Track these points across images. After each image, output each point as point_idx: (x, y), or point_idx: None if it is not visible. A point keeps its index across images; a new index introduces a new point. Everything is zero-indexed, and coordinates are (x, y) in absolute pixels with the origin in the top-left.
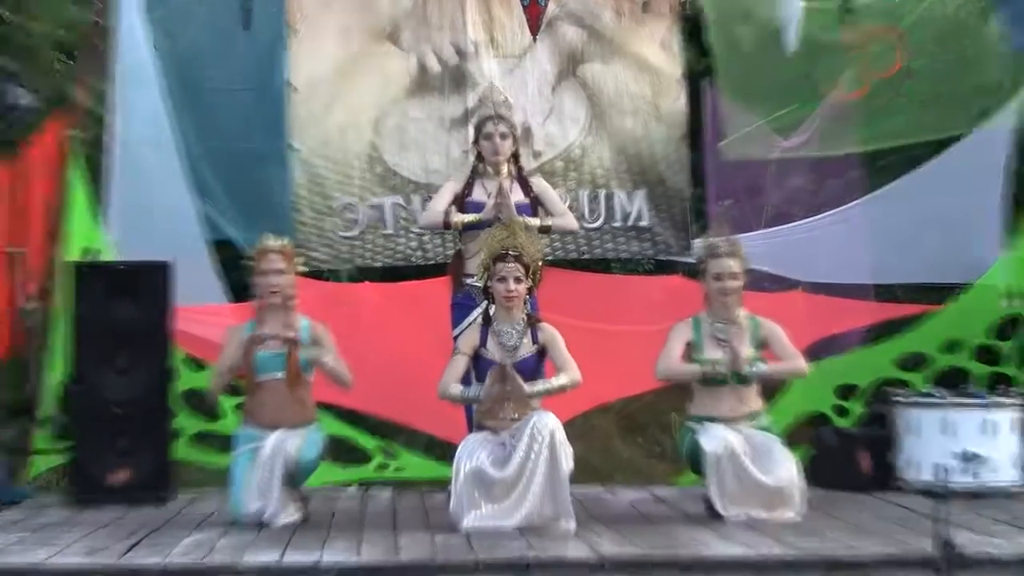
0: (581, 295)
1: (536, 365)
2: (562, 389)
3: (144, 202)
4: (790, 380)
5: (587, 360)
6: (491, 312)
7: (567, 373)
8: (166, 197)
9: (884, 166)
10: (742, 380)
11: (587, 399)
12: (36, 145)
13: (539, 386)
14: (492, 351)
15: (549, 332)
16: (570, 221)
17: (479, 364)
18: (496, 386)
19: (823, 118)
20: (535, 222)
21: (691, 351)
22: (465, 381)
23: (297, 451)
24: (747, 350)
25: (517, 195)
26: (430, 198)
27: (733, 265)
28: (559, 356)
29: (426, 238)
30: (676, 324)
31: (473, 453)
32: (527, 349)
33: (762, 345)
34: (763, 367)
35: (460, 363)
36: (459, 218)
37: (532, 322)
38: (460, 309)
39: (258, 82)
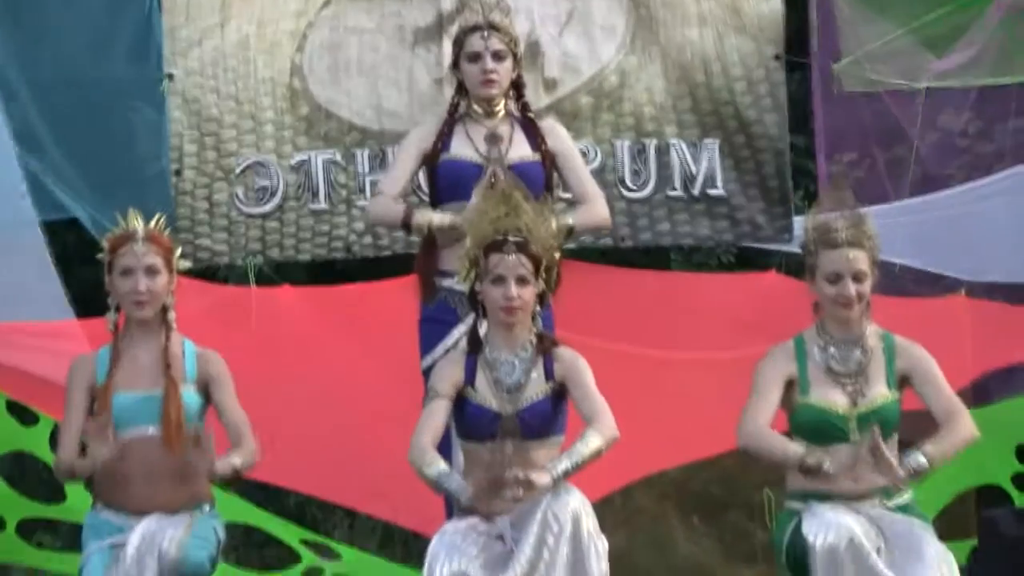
0: (620, 304)
1: (550, 414)
2: (596, 455)
3: None
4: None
5: (630, 406)
6: (481, 332)
7: (599, 427)
8: None
9: None
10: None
11: (631, 466)
12: None
13: (561, 466)
14: (484, 393)
15: (570, 361)
16: (599, 211)
17: (465, 412)
18: (492, 466)
19: (998, 23)
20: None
21: (794, 393)
22: (445, 443)
23: (179, 549)
24: (881, 388)
25: (521, 149)
26: (382, 152)
27: (858, 258)
28: (585, 399)
29: None
30: (770, 351)
31: (454, 552)
32: (537, 389)
33: (902, 382)
34: (924, 463)
35: (439, 413)
36: (428, 218)
37: (545, 347)
38: (433, 327)
39: None
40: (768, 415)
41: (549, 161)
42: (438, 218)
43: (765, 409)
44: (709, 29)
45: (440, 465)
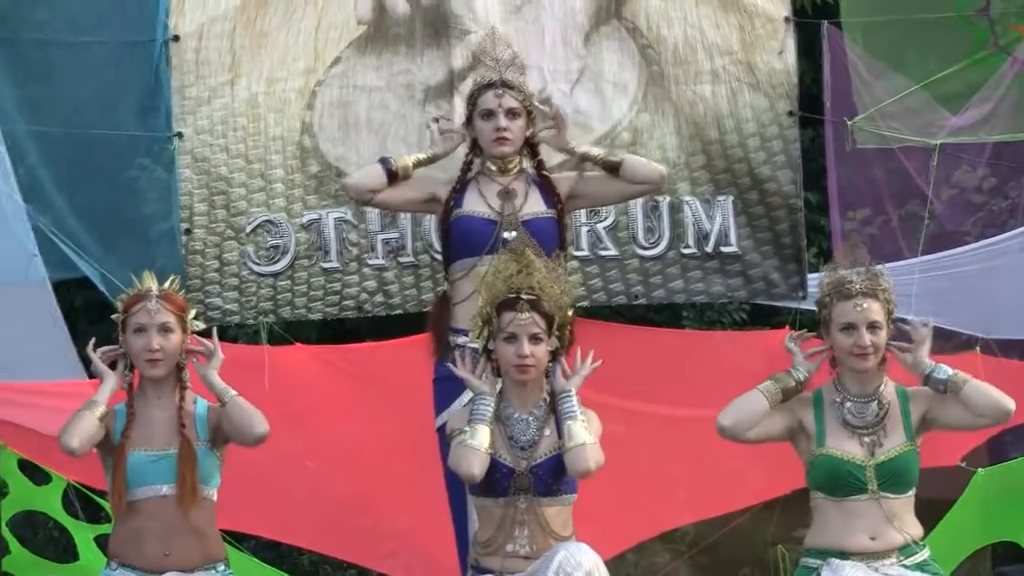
0: (632, 361)
1: (563, 469)
2: (582, 441)
3: None
4: (993, 415)
5: (643, 463)
6: (496, 388)
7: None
8: None
9: None
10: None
11: (644, 524)
12: None
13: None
14: (498, 449)
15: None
16: (654, 164)
17: None
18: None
19: (1013, 79)
20: (598, 150)
21: (810, 445)
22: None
23: None
24: (900, 439)
25: (536, 205)
26: (393, 218)
27: (872, 308)
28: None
29: (389, 275)
30: None
31: None
32: (550, 446)
33: (923, 425)
34: (952, 370)
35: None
36: (407, 159)
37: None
38: (448, 385)
39: (121, 31)
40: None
41: (560, 212)
42: (416, 156)
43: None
44: (722, 86)
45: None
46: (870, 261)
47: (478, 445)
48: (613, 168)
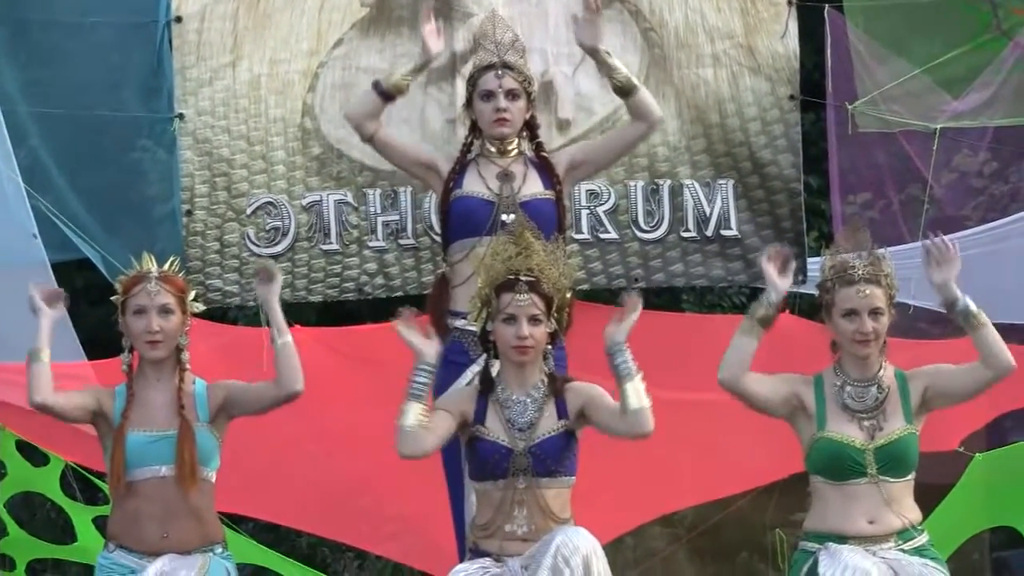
0: (632, 345)
1: (562, 451)
2: (644, 411)
3: None
4: (998, 366)
5: (641, 447)
6: (493, 371)
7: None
8: None
9: None
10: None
11: (643, 508)
12: None
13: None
14: (495, 430)
15: (584, 391)
16: (657, 107)
17: (478, 450)
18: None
19: (1014, 64)
20: (620, 67)
21: (810, 428)
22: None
23: None
24: (899, 423)
25: (534, 186)
26: (394, 193)
27: (875, 294)
28: (613, 407)
29: (390, 257)
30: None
31: None
32: (549, 427)
33: (923, 406)
34: (972, 305)
35: (441, 421)
36: (395, 76)
37: (557, 387)
38: (446, 368)
39: (123, 12)
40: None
41: (559, 195)
42: (402, 69)
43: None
44: (723, 69)
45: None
46: (872, 245)
47: (405, 424)
48: (627, 91)
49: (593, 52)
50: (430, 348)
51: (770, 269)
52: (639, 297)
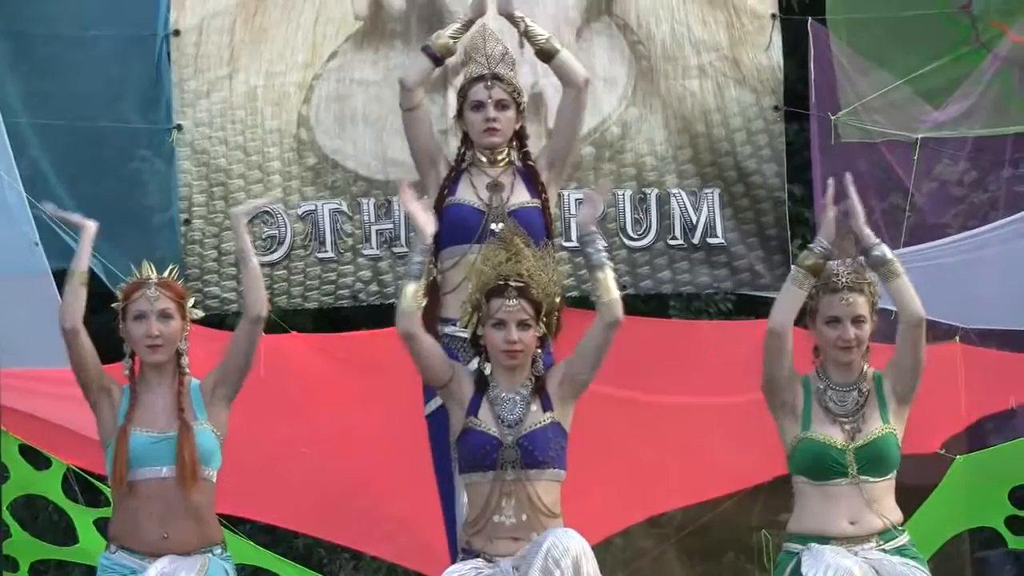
0: (621, 350)
1: (549, 442)
2: (602, 292)
3: None
4: (910, 313)
5: (630, 449)
6: (486, 371)
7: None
8: None
9: None
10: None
11: (631, 509)
12: None
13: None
14: (486, 423)
15: (554, 368)
16: (581, 67)
17: (469, 441)
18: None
19: (993, 76)
20: (541, 32)
21: (795, 428)
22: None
23: None
24: (878, 424)
25: (521, 195)
26: (387, 202)
27: (857, 302)
28: (581, 342)
29: (383, 265)
30: None
31: None
32: (536, 420)
33: (898, 399)
34: (888, 252)
35: (436, 348)
36: (444, 37)
37: (541, 383)
38: None
39: (123, 25)
40: None
41: (545, 204)
42: (450, 30)
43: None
44: (709, 81)
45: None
46: (856, 253)
47: (402, 305)
48: (548, 54)
49: (511, 19)
50: (429, 228)
51: (828, 217)
52: (611, 183)
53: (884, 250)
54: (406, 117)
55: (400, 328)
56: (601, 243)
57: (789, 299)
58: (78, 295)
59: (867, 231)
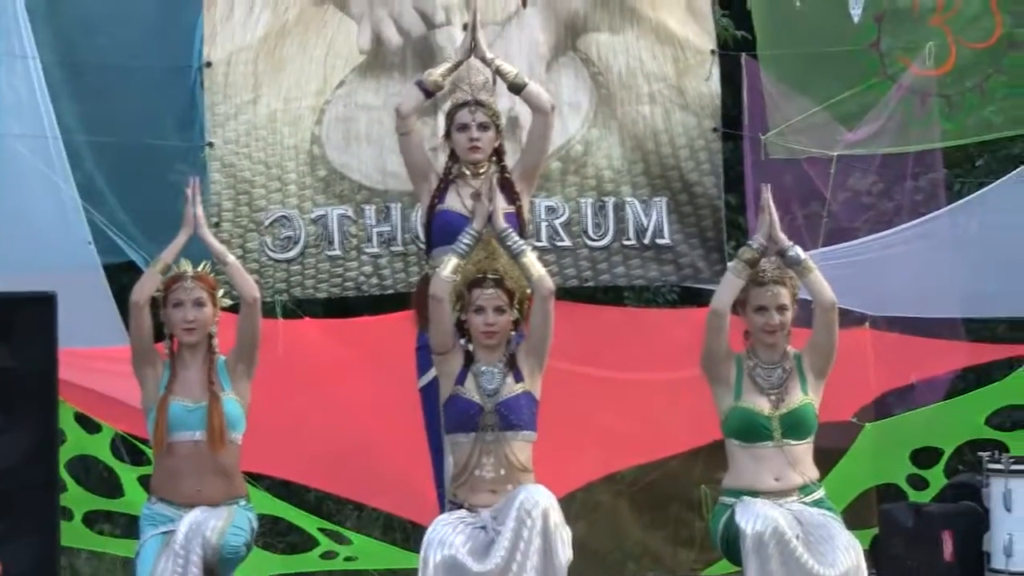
0: (583, 333)
1: (522, 409)
2: (527, 273)
3: (16, 215)
4: (823, 300)
5: (590, 418)
6: (470, 349)
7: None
8: (45, 209)
9: (977, 166)
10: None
11: (591, 467)
12: None
13: (514, 237)
14: (471, 392)
15: (521, 346)
16: (546, 96)
17: (456, 406)
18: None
19: (897, 103)
20: (510, 68)
21: (728, 398)
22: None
23: (219, 536)
24: (798, 396)
25: (499, 203)
26: (387, 208)
27: (781, 293)
28: (533, 323)
29: (383, 261)
30: None
31: (446, 539)
32: (510, 389)
33: (816, 374)
34: (802, 254)
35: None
36: (436, 72)
37: (514, 360)
38: (428, 352)
39: (163, 57)
40: None
41: (523, 213)
42: (442, 67)
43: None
44: (658, 106)
45: (446, 258)
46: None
47: (443, 273)
48: (518, 88)
49: (484, 61)
50: (483, 217)
51: (764, 219)
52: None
53: (797, 251)
54: (401, 140)
55: (434, 289)
56: (515, 236)
57: (729, 285)
58: (154, 279)
59: (782, 236)
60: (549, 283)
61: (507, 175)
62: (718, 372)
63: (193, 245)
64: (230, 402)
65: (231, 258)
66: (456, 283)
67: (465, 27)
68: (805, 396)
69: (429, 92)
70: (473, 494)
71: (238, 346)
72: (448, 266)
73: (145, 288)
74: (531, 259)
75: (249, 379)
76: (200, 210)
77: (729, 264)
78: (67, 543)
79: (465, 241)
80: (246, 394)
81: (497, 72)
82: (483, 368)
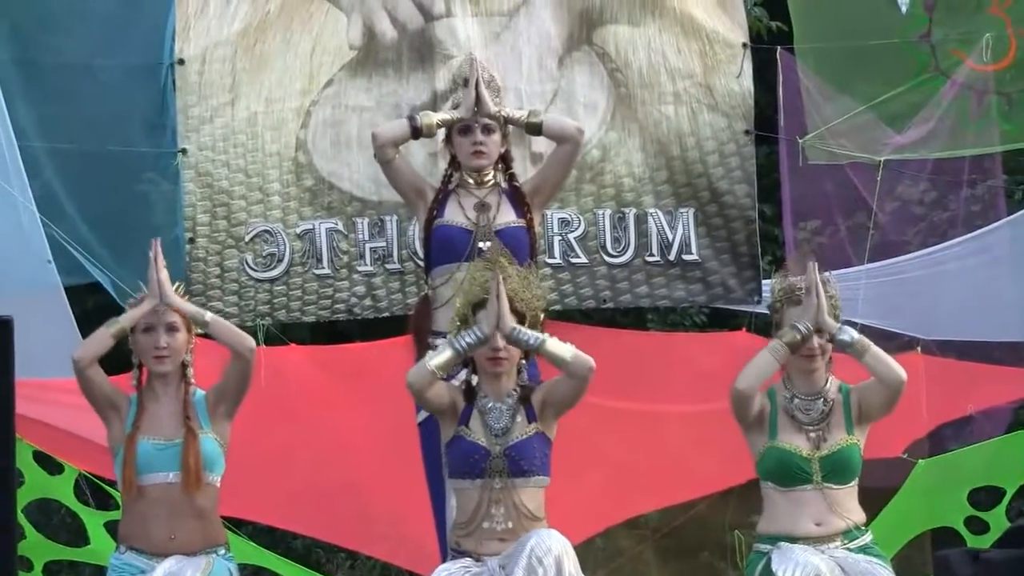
0: (601, 360)
1: (534, 452)
2: (561, 358)
3: None
4: (888, 382)
5: (609, 454)
6: (473, 382)
7: (577, 350)
8: None
9: None
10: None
11: (611, 510)
12: None
13: (527, 332)
14: (476, 432)
15: (540, 387)
16: (571, 123)
17: (460, 449)
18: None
19: (951, 101)
20: (519, 113)
21: (763, 436)
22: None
23: None
24: (842, 435)
25: (507, 215)
26: (381, 221)
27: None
28: (559, 380)
29: (377, 280)
30: None
31: None
32: (521, 431)
33: (860, 419)
34: (858, 335)
35: (442, 386)
36: (432, 118)
37: (525, 395)
38: None
39: (130, 55)
40: None
41: (530, 223)
42: (442, 115)
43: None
44: (684, 107)
45: (442, 348)
46: (820, 268)
47: (431, 363)
48: (536, 129)
49: (491, 117)
50: (490, 322)
51: (810, 301)
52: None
53: (849, 333)
54: (384, 169)
55: (413, 378)
56: (526, 332)
57: (763, 368)
58: (103, 342)
59: (829, 321)
60: (587, 360)
61: (516, 184)
62: (749, 420)
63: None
64: (207, 440)
65: (209, 315)
66: (458, 308)
67: (466, 82)
68: (850, 436)
69: (418, 133)
70: (480, 544)
71: (223, 389)
72: (439, 358)
73: (90, 349)
74: (555, 343)
75: (230, 421)
76: (165, 275)
77: (769, 344)
78: None
79: (468, 341)
80: (226, 435)
81: (508, 122)
82: (490, 405)
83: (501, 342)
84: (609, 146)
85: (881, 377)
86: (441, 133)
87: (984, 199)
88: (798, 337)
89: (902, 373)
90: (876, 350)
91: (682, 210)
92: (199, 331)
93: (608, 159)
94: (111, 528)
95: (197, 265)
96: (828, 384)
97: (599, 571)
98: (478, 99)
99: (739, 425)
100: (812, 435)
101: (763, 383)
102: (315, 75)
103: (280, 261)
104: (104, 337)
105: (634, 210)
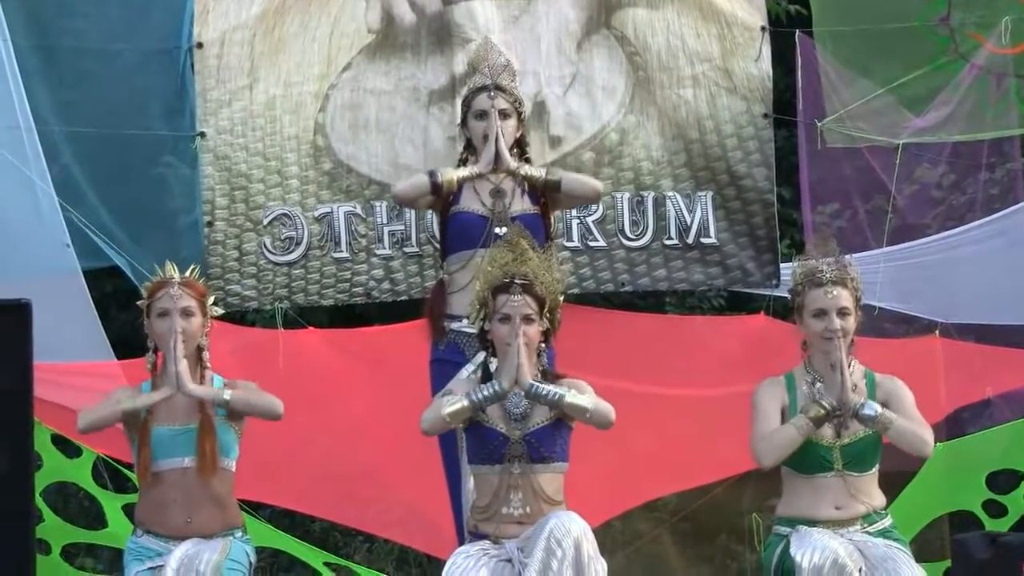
0: (619, 344)
1: (553, 438)
2: (580, 411)
3: None
4: (912, 453)
5: (628, 438)
6: (492, 367)
7: (597, 400)
8: (17, 208)
9: None
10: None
11: (629, 494)
12: None
13: (545, 387)
14: (495, 419)
15: (571, 385)
16: (590, 180)
17: (478, 435)
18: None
19: (970, 85)
20: (538, 172)
21: (787, 419)
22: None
23: (213, 571)
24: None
25: (523, 202)
26: (399, 207)
27: (842, 295)
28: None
29: (395, 264)
30: (764, 382)
31: (468, 574)
32: (541, 417)
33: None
34: (881, 409)
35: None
36: (452, 175)
37: (548, 380)
38: (443, 367)
39: (149, 39)
40: (774, 427)
41: (545, 208)
42: (462, 171)
43: (769, 427)
44: (702, 90)
45: (458, 397)
46: (839, 252)
47: (446, 412)
48: (555, 187)
49: (510, 173)
50: (510, 378)
51: (835, 379)
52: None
53: (872, 408)
54: (407, 205)
55: (428, 427)
56: (544, 387)
57: (786, 442)
58: (111, 419)
59: (854, 397)
60: (607, 413)
61: (530, 176)
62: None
63: (182, 245)
64: (222, 426)
65: (229, 393)
66: (477, 291)
67: (486, 137)
68: (866, 433)
69: (438, 188)
70: (499, 528)
71: (247, 400)
72: (453, 407)
73: (94, 417)
74: (574, 396)
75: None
76: (184, 365)
77: (794, 419)
78: None
79: (486, 394)
80: (241, 424)
81: (527, 180)
82: None
83: (521, 328)
84: (628, 129)
85: (909, 450)
86: (459, 114)
87: (1003, 182)
88: (822, 412)
89: (927, 449)
90: (900, 424)
91: (700, 193)
92: (214, 315)
93: (627, 142)
94: (128, 511)
95: (215, 248)
96: (851, 368)
97: (617, 554)
98: (497, 155)
99: None
100: (834, 421)
101: (784, 457)
102: (333, 59)
103: (298, 244)
104: (111, 408)
105: (652, 193)
